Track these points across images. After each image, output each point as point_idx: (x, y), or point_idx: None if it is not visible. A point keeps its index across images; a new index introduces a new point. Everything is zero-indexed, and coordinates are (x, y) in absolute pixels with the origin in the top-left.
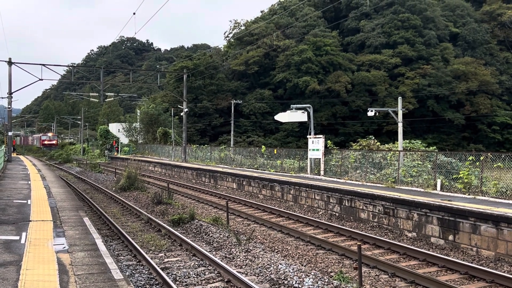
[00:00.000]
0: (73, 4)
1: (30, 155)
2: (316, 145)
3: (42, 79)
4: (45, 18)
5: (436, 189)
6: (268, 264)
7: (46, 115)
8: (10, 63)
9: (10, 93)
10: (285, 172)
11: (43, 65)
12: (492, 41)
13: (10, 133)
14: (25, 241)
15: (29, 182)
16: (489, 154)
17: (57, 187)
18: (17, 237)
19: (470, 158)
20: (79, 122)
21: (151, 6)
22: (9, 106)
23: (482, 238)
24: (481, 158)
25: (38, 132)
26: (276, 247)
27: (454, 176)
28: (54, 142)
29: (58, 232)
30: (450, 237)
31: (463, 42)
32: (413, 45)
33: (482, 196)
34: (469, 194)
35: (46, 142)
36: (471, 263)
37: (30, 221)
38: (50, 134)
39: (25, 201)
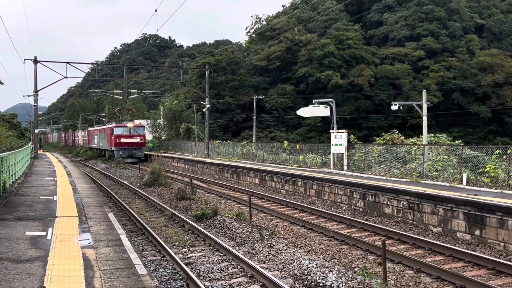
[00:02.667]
0: (92, 1)
1: (56, 151)
2: (339, 139)
3: (67, 77)
4: (67, 16)
5: (462, 184)
6: (291, 260)
7: (71, 113)
8: (35, 61)
9: (36, 91)
10: (308, 167)
11: (68, 63)
12: None
13: (36, 131)
14: (51, 237)
15: (55, 179)
16: None
17: (82, 183)
18: (43, 233)
19: (497, 151)
20: (103, 119)
21: (172, 3)
22: (35, 104)
23: (510, 233)
24: (508, 151)
25: (64, 130)
26: (299, 243)
27: (480, 170)
28: (138, 139)
29: (83, 228)
30: (477, 232)
31: (489, 33)
32: (437, 37)
33: (509, 190)
34: (496, 188)
35: (124, 141)
36: (499, 258)
37: (56, 217)
38: (130, 125)
39: (51, 197)
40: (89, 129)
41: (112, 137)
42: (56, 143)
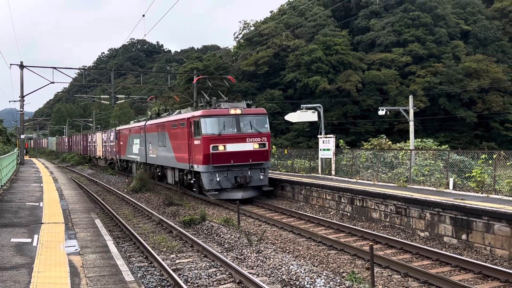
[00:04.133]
0: (79, 6)
1: (42, 157)
2: (326, 145)
3: (53, 82)
4: (53, 21)
5: (448, 188)
6: (279, 265)
7: (58, 118)
8: (21, 66)
9: (22, 96)
10: (296, 172)
11: (55, 68)
12: (503, 38)
13: (22, 136)
14: (37, 244)
15: (41, 185)
16: (502, 152)
17: (69, 189)
18: (29, 240)
19: (483, 156)
20: (90, 124)
21: (160, 8)
22: (21, 109)
23: (496, 237)
24: (494, 156)
25: (55, 134)
26: (287, 248)
27: (466, 175)
28: (258, 144)
29: (69, 234)
30: (463, 236)
31: (475, 39)
32: (424, 43)
33: (495, 194)
34: (482, 193)
35: (228, 149)
36: (485, 262)
37: (42, 223)
38: (238, 110)
39: (37, 204)
40: (120, 127)
41: (197, 141)
42: (49, 150)
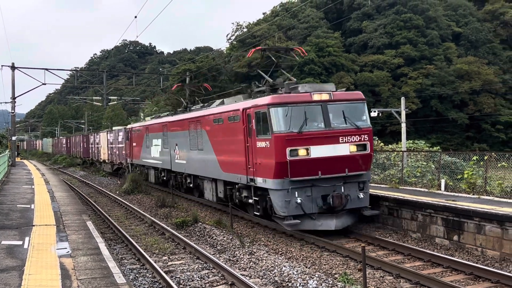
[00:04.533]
0: (71, 8)
1: (34, 159)
2: None
3: (45, 84)
4: (44, 22)
5: (440, 189)
6: (272, 267)
7: (50, 119)
8: (13, 68)
9: (14, 98)
10: None
11: (46, 69)
12: (495, 40)
13: (14, 138)
14: (28, 246)
15: (33, 187)
16: (493, 153)
17: (60, 191)
18: (20, 242)
19: (474, 158)
20: (82, 126)
21: (152, 9)
22: (13, 111)
23: (487, 238)
24: (485, 157)
25: (47, 135)
26: (280, 249)
27: (458, 176)
28: (357, 147)
29: (61, 237)
30: (455, 238)
31: (466, 41)
32: (415, 45)
33: (486, 196)
34: (473, 194)
35: (315, 154)
36: (476, 263)
37: (34, 225)
38: (325, 95)
39: (29, 206)
40: (134, 125)
41: (263, 143)
42: (41, 152)
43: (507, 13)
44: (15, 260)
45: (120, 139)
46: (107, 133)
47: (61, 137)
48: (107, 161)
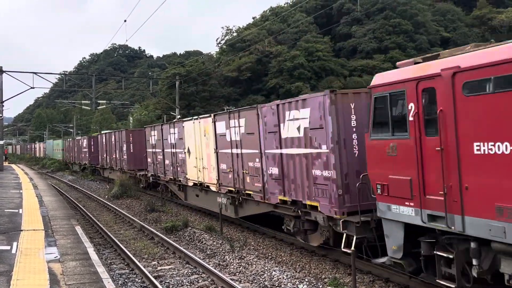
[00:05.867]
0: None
1: (22, 163)
2: None
3: (33, 87)
4: (32, 25)
5: None
6: (262, 271)
7: (38, 123)
8: (1, 71)
9: (1, 101)
10: None
11: (35, 73)
12: (483, 45)
13: (1, 142)
14: (16, 251)
15: (21, 191)
16: None
17: (49, 195)
18: (8, 247)
19: None
20: (71, 130)
21: (142, 13)
22: (1, 115)
23: None
24: None
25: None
26: (269, 254)
27: None
28: None
29: (49, 242)
30: None
31: (454, 46)
32: (404, 50)
33: None
34: None
35: None
36: None
37: (22, 230)
38: None
39: (17, 210)
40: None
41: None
42: (48, 158)
43: (495, 19)
44: (3, 265)
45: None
46: (181, 125)
47: (79, 138)
48: (190, 181)
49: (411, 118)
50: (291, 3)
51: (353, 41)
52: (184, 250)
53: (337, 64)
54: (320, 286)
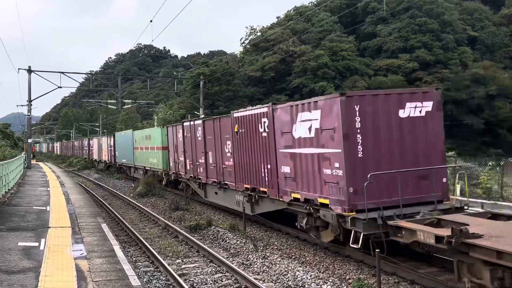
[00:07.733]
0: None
1: (49, 162)
2: None
3: (61, 87)
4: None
5: (455, 195)
6: (285, 271)
7: (65, 122)
8: (29, 71)
9: (30, 100)
10: None
11: (62, 72)
12: (511, 44)
13: (29, 140)
14: (44, 248)
15: (48, 189)
16: (509, 159)
17: (75, 193)
18: (36, 244)
19: (490, 163)
20: (97, 129)
21: (167, 13)
22: (29, 114)
23: None
24: (501, 163)
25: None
26: (293, 254)
27: (474, 182)
28: None
29: (76, 239)
30: None
31: (482, 45)
32: (430, 49)
33: (503, 201)
34: (489, 200)
35: None
36: None
37: (49, 227)
38: None
39: (44, 208)
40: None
41: None
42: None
43: None
44: (32, 262)
45: None
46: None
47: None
48: None
49: None
50: (315, 3)
51: (378, 41)
52: (208, 248)
53: (361, 63)
54: (344, 287)
